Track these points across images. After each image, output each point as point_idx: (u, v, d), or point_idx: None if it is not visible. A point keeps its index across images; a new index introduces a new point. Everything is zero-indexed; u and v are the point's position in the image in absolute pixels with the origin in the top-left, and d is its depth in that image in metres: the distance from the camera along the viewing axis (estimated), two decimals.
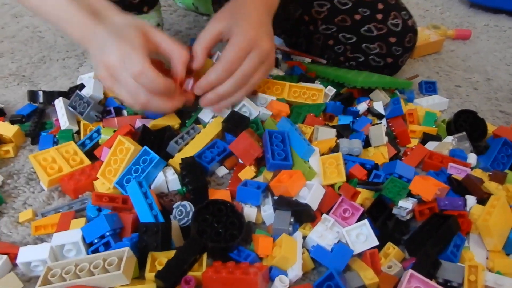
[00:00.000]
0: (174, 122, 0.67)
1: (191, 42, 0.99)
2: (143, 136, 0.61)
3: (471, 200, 0.55)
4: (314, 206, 0.54)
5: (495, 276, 0.47)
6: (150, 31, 0.58)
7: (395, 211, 0.53)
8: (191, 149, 0.61)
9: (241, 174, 0.59)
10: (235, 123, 0.63)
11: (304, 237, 0.52)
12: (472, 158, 0.65)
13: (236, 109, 0.66)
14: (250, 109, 0.66)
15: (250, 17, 0.62)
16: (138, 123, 0.65)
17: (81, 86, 0.75)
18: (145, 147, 0.57)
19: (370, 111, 0.74)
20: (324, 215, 0.54)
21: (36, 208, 0.58)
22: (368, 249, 0.50)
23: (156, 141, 0.62)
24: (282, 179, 0.55)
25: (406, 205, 0.53)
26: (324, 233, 0.51)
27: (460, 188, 0.58)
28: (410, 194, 0.56)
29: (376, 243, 0.50)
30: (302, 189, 0.55)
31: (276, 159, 0.58)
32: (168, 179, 0.57)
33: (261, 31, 0.61)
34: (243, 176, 0.59)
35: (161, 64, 0.67)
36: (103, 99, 0.73)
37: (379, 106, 0.74)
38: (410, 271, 0.45)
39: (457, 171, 0.62)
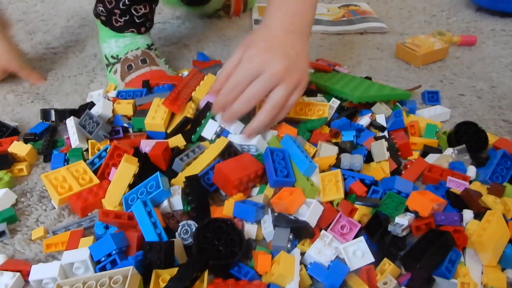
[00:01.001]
0: (180, 142, 0.69)
1: (198, 57, 1.01)
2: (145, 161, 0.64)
3: (468, 214, 0.56)
4: (313, 223, 0.56)
5: None
6: None
7: (390, 228, 0.54)
8: (195, 168, 0.63)
9: (225, 209, 0.59)
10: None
11: (303, 253, 0.54)
12: (471, 170, 0.66)
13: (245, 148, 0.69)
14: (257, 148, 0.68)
15: (259, 43, 0.65)
16: (143, 144, 0.67)
17: (91, 104, 0.78)
18: (158, 172, 0.59)
19: (372, 124, 0.76)
20: (323, 232, 0.55)
21: (47, 225, 0.61)
22: (365, 265, 0.51)
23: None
24: (283, 196, 0.57)
25: (402, 221, 0.54)
26: (322, 249, 0.53)
27: (458, 202, 0.59)
28: (408, 209, 0.57)
29: (372, 259, 0.51)
30: (301, 206, 0.57)
31: (279, 176, 0.60)
32: (171, 198, 0.59)
33: (269, 55, 0.63)
34: (226, 211, 0.59)
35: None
36: (112, 117, 0.76)
37: (381, 119, 0.75)
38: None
39: (456, 185, 0.63)
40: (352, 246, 0.53)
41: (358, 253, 0.52)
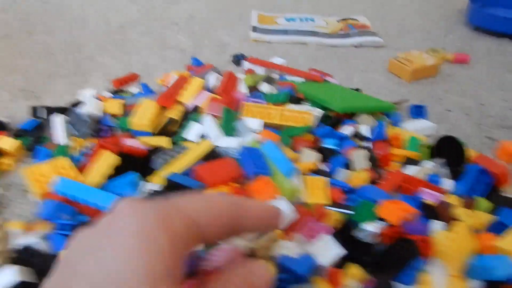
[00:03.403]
0: (165, 144, 0.70)
1: (193, 61, 1.03)
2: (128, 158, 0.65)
3: (437, 225, 0.57)
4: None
5: None
6: None
7: (359, 234, 0.55)
8: (174, 168, 0.64)
9: None
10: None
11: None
12: (448, 184, 0.66)
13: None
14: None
15: None
16: (126, 142, 0.69)
17: (80, 103, 0.80)
18: (137, 174, 0.61)
19: (356, 134, 0.77)
20: (296, 234, 0.56)
21: (27, 219, 0.62)
22: (334, 264, 0.52)
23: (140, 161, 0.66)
24: (258, 186, 0.59)
25: (370, 228, 0.55)
26: (289, 247, 0.54)
27: (431, 213, 0.60)
28: (380, 217, 0.58)
29: (343, 251, 0.52)
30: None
31: (258, 167, 0.62)
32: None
33: None
34: None
35: None
36: (101, 116, 0.77)
37: (364, 130, 0.77)
38: None
39: (430, 196, 0.63)
40: (318, 243, 0.53)
41: (327, 248, 0.53)
